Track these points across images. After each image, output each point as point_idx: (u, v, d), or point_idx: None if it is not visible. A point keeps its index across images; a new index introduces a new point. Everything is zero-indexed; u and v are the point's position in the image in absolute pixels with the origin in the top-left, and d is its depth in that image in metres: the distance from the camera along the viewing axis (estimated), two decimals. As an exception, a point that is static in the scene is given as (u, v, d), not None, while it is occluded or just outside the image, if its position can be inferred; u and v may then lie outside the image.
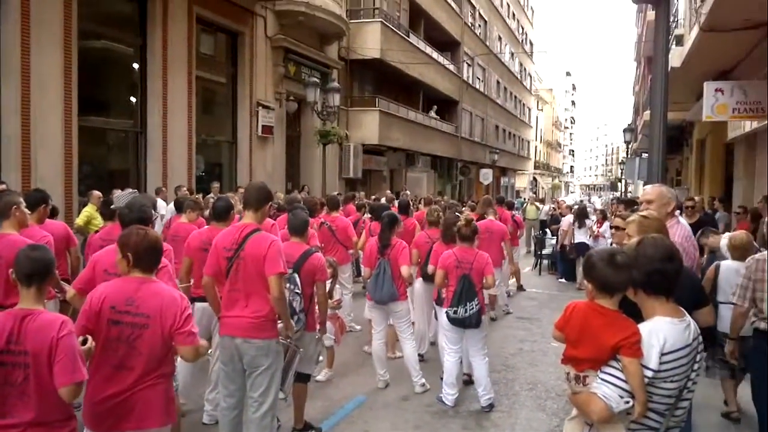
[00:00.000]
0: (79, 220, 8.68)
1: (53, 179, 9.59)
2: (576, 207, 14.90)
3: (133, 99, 12.17)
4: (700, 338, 2.56)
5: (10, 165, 9.14)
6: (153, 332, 2.94)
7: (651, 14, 18.08)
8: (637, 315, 2.56)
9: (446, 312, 5.45)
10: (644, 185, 17.00)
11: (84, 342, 2.75)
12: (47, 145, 9.61)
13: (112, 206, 5.37)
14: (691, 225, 7.87)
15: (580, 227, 12.53)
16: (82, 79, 10.31)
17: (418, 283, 6.77)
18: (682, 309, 2.54)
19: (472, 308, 5.29)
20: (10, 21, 9.07)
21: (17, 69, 9.15)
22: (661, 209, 3.79)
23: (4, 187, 8.07)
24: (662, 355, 2.38)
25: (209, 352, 5.25)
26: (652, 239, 2.57)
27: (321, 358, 5.58)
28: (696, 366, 2.54)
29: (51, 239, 4.50)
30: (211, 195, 11.45)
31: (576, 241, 12.46)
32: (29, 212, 4.69)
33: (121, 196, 5.59)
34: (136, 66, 12.14)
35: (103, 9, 11.61)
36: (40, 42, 9.44)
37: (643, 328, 2.44)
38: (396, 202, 12.23)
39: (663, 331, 2.40)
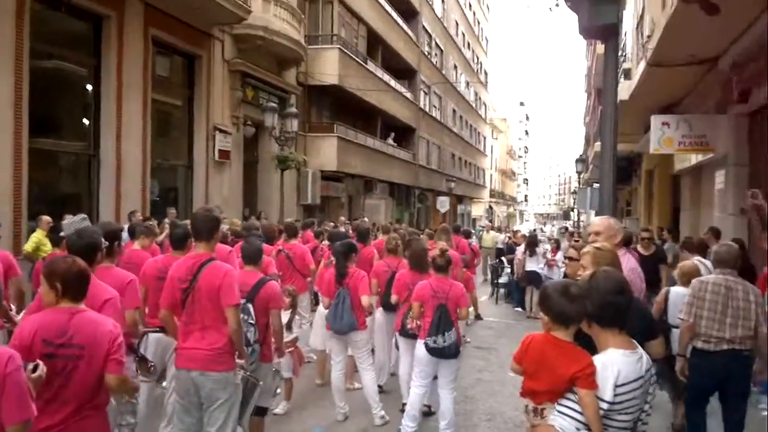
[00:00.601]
0: (28, 246, 8.40)
1: (1, 203, 9.26)
2: (527, 236, 15.19)
3: (86, 121, 11.89)
4: (653, 370, 2.63)
5: (-46, 188, 8.81)
6: (88, 363, 2.87)
7: (600, 48, 18.75)
8: (592, 347, 2.62)
9: (425, 342, 5.27)
10: (595, 215, 17.46)
11: (35, 369, 2.64)
12: (-6, 167, 9.30)
13: (61, 233, 5.22)
14: (646, 257, 8.10)
15: (531, 255, 12.77)
16: (33, 100, 10.02)
17: (379, 312, 6.73)
18: (635, 341, 2.61)
19: (451, 338, 5.21)
20: (-42, 40, 8.83)
21: (-35, 89, 8.88)
22: (608, 241, 3.88)
23: None
24: (616, 386, 2.43)
25: (163, 385, 5.12)
26: (605, 272, 2.64)
27: (278, 390, 5.49)
28: (649, 398, 2.61)
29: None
30: (167, 220, 11.24)
31: (527, 269, 12.69)
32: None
33: (72, 223, 5.43)
34: (89, 87, 11.89)
35: (56, 28, 11.36)
36: (-10, 62, 9.19)
37: (598, 360, 2.49)
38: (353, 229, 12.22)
39: (617, 363, 2.46)
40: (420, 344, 5.36)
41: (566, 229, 22.66)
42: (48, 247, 8.16)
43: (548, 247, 14.84)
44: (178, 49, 14.19)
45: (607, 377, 2.42)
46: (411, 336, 5.73)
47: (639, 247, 8.72)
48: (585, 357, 2.49)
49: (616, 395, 2.42)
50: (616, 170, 6.84)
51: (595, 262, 3.20)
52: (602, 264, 3.06)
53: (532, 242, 13.11)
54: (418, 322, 5.49)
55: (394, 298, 6.13)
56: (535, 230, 24.29)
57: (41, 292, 3.75)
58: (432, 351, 5.25)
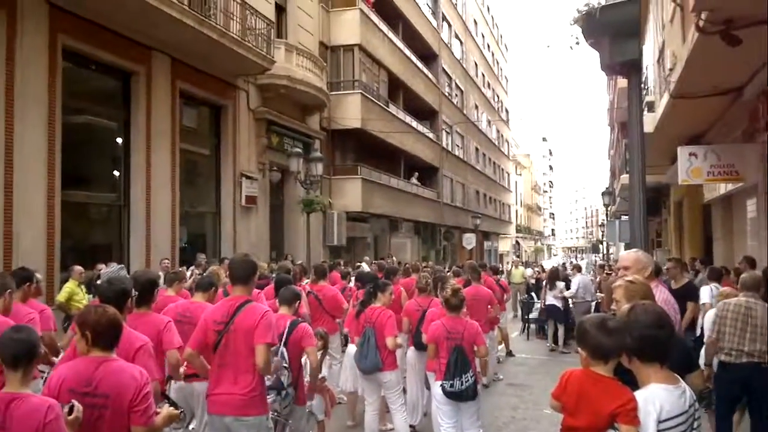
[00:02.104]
0: (61, 297, 8.52)
1: (35, 254, 9.46)
2: (548, 270, 15.05)
3: (116, 173, 12.21)
4: (697, 404, 2.56)
5: (-9, 241, 9.04)
6: (113, 412, 2.86)
7: (622, 81, 18.77)
8: (633, 382, 2.56)
9: (441, 385, 5.18)
10: (625, 247, 17.21)
11: (71, 411, 2.66)
12: (30, 219, 9.54)
13: (98, 281, 5.33)
14: (677, 289, 7.64)
15: (551, 289, 12.67)
16: (65, 154, 10.36)
17: (411, 351, 6.67)
18: (677, 375, 2.54)
19: (468, 380, 5.08)
20: (-5, 98, 9.17)
21: (1, 145, 9.18)
22: (638, 274, 3.83)
23: None
24: (659, 422, 2.37)
25: (191, 428, 5.11)
26: (643, 306, 2.59)
27: (311, 432, 5.43)
28: (694, 433, 2.53)
29: (36, 317, 4.43)
30: (193, 268, 11.37)
31: (547, 303, 12.56)
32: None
33: (109, 272, 5.55)
34: (119, 140, 12.25)
35: (87, 85, 11.80)
36: (25, 118, 9.52)
37: (639, 395, 2.43)
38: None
39: (659, 398, 2.40)
40: (437, 386, 5.28)
41: (600, 265, 22.27)
42: (80, 296, 8.32)
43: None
44: (205, 100, 14.59)
45: (649, 412, 2.36)
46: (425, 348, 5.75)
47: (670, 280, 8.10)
48: (626, 392, 2.43)
49: (659, 431, 2.35)
50: (645, 203, 6.78)
51: (628, 295, 3.15)
52: (636, 297, 3.01)
53: (553, 276, 13.05)
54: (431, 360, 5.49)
55: (425, 337, 6.07)
56: (564, 264, 23.96)
57: (74, 341, 3.82)
58: (449, 395, 5.15)
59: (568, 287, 12.76)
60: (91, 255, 11.04)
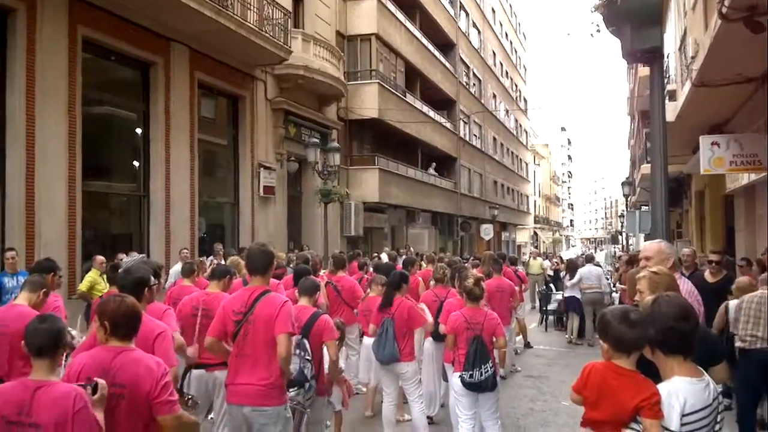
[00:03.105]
0: (83, 286, 8.64)
1: (57, 245, 9.58)
2: (566, 261, 14.94)
3: (135, 163, 12.30)
4: (720, 398, 2.52)
5: (14, 232, 9.16)
6: (129, 402, 2.86)
7: (642, 70, 18.50)
8: (656, 374, 2.52)
9: (460, 376, 5.18)
10: (645, 238, 17.00)
11: (94, 390, 2.67)
12: (51, 211, 9.65)
13: (119, 270, 5.37)
14: (714, 283, 7.28)
15: (570, 280, 12.60)
16: (85, 145, 10.44)
17: (428, 342, 6.66)
18: (701, 368, 2.50)
19: (487, 371, 5.07)
20: (16, 90, 9.26)
21: (22, 137, 9.28)
22: (659, 265, 3.77)
23: (14, 254, 8.10)
24: (683, 416, 2.33)
25: (209, 417, 5.16)
26: (667, 297, 2.55)
27: (328, 423, 5.45)
28: (717, 427, 2.48)
29: (61, 305, 4.51)
30: (212, 258, 11.44)
31: (566, 294, 12.45)
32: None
33: (130, 261, 5.62)
34: (139, 131, 12.33)
35: (106, 76, 11.88)
36: (45, 110, 9.61)
37: (663, 388, 2.40)
38: (401, 260, 12.20)
39: (683, 391, 2.36)
40: (456, 377, 5.28)
41: (618, 255, 22.09)
42: (102, 285, 8.39)
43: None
44: (223, 90, 14.63)
45: (672, 406, 2.32)
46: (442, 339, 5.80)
47: (707, 273, 7.66)
48: (649, 386, 2.39)
49: (683, 425, 2.32)
50: (667, 193, 6.69)
51: (652, 286, 3.10)
52: (660, 288, 2.96)
53: (572, 267, 12.93)
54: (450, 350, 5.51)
55: (442, 328, 6.06)
56: (583, 254, 23.77)
57: (94, 329, 3.86)
58: (469, 386, 5.15)
59: None
60: (111, 245, 11.18)
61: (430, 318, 5.99)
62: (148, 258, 10.54)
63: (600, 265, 15.40)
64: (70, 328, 5.41)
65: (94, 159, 10.99)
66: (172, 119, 12.46)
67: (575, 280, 12.43)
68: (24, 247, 9.04)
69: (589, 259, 14.48)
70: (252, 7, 13.70)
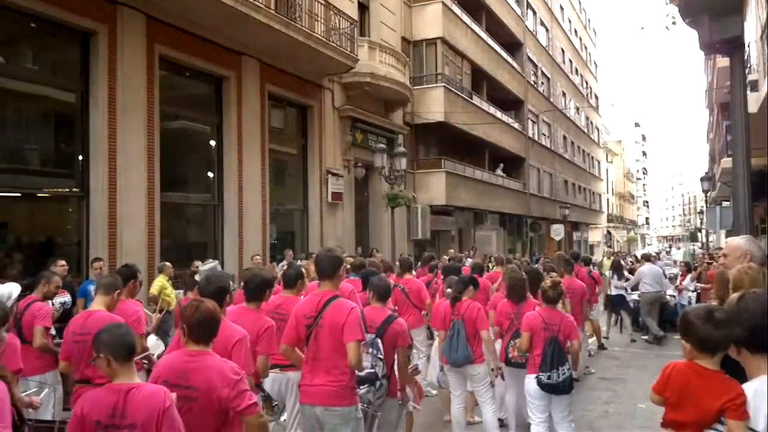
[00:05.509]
0: (153, 290, 9.12)
1: (137, 254, 10.03)
2: (612, 261, 14.92)
3: (210, 174, 12.75)
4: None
5: (98, 241, 9.66)
6: (202, 406, 2.95)
7: (721, 60, 17.66)
8: (740, 374, 2.41)
9: (536, 378, 5.11)
10: (726, 235, 16.18)
11: None
12: (132, 221, 10.13)
13: (196, 276, 5.56)
14: None
15: (619, 279, 12.70)
16: (163, 158, 10.89)
17: (498, 344, 6.59)
18: (790, 368, 2.38)
19: (564, 373, 5.02)
20: (99, 108, 9.76)
21: (104, 152, 9.77)
22: (735, 262, 3.61)
23: (101, 263, 8.58)
24: (772, 418, 2.22)
25: (282, 419, 5.26)
26: (755, 294, 2.44)
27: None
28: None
29: (141, 314, 4.68)
30: (284, 262, 11.71)
31: (612, 293, 12.27)
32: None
33: (205, 269, 5.80)
34: (212, 143, 12.78)
35: (183, 92, 12.39)
36: (126, 125, 10.08)
37: (749, 388, 2.30)
38: (468, 261, 12.12)
39: (771, 392, 2.25)
40: (531, 379, 5.19)
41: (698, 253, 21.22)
42: (169, 290, 9.07)
43: (677, 271, 14.10)
44: (292, 101, 14.99)
45: (759, 406, 2.22)
46: (515, 365, 5.71)
47: None
48: (734, 386, 2.29)
49: (772, 427, 2.21)
50: (750, 187, 6.38)
51: (736, 283, 2.97)
52: (745, 285, 2.83)
53: (616, 266, 13.15)
54: (521, 353, 5.41)
55: (495, 329, 6.02)
56: (660, 252, 22.95)
57: (179, 333, 4.02)
58: (545, 387, 5.08)
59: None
60: (187, 253, 11.62)
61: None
62: (222, 265, 10.89)
63: (657, 259, 15.62)
64: (152, 335, 5.69)
65: (171, 171, 11.45)
66: (244, 131, 12.85)
67: (633, 281, 12.59)
68: (107, 257, 9.52)
69: (647, 258, 14.26)
70: (319, 18, 13.97)
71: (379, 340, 4.42)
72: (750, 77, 12.28)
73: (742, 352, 2.38)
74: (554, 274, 7.41)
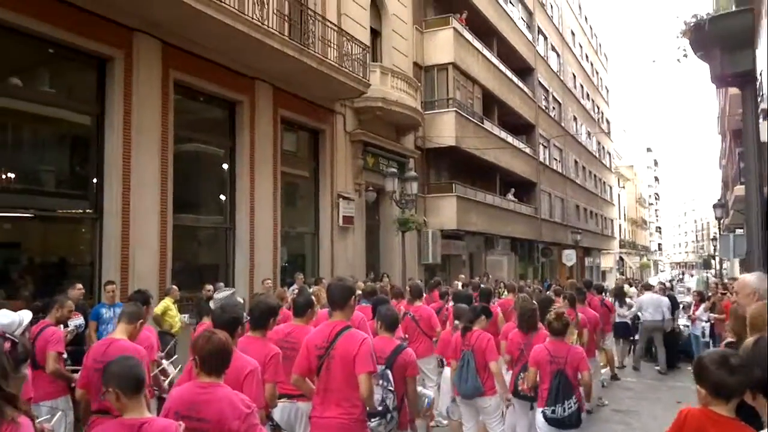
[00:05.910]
0: (157, 309, 9.16)
1: (149, 276, 10.07)
2: (614, 288, 15.00)
3: (222, 197, 12.82)
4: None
5: (111, 264, 9.69)
6: None
7: (733, 88, 17.63)
8: (755, 420, 2.37)
9: (543, 411, 5.10)
10: (740, 264, 15.94)
11: None
12: (145, 244, 10.17)
13: (210, 302, 5.57)
14: None
15: (620, 306, 12.59)
16: (176, 180, 10.96)
17: (509, 375, 6.52)
18: (809, 416, 2.33)
19: (571, 407, 4.96)
20: (114, 130, 9.86)
21: (119, 174, 9.85)
22: (745, 300, 3.57)
23: (114, 287, 8.62)
24: (790, 467, 2.18)
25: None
26: (769, 339, 2.40)
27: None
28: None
29: (153, 342, 4.69)
30: (295, 286, 11.70)
31: (616, 320, 12.20)
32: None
33: (222, 296, 5.81)
34: (225, 166, 12.87)
35: (197, 116, 12.52)
36: (140, 148, 10.17)
37: (766, 436, 2.25)
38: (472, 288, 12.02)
39: (789, 440, 2.21)
40: (539, 413, 5.16)
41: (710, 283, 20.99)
42: (173, 312, 9.31)
43: (690, 300, 13.96)
44: (304, 125, 15.10)
45: (777, 456, 2.17)
46: (524, 398, 5.64)
47: None
48: (750, 434, 2.26)
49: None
50: (764, 216, 6.33)
51: (752, 325, 2.92)
52: (759, 327, 2.79)
53: (619, 293, 13.15)
54: (519, 383, 5.40)
55: (506, 358, 5.97)
56: (672, 281, 22.71)
57: (191, 364, 4.01)
58: (551, 421, 5.03)
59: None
60: (199, 276, 11.65)
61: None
62: (235, 289, 10.90)
63: (671, 289, 15.57)
64: (164, 361, 5.70)
65: (184, 193, 11.52)
66: (256, 154, 12.94)
67: (635, 309, 12.61)
68: (119, 279, 9.55)
69: (647, 287, 14.25)
70: (332, 44, 14.13)
71: (389, 372, 4.40)
72: (762, 105, 12.23)
73: (757, 398, 2.34)
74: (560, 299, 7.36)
